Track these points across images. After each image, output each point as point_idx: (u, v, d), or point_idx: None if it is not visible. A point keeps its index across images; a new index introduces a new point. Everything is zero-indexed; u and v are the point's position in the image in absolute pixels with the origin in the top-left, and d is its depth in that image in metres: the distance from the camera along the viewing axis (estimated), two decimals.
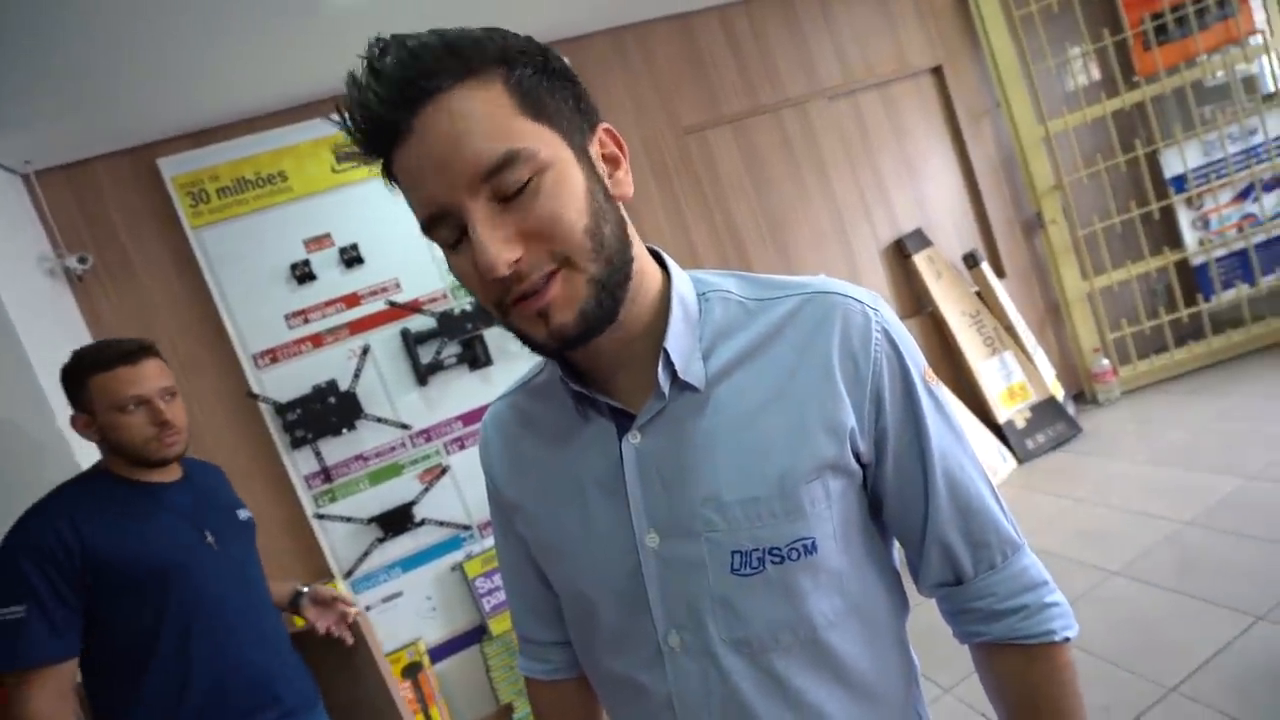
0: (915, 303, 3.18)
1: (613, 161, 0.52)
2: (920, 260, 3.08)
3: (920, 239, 3.13)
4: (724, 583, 0.52)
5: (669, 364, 0.52)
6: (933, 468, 0.54)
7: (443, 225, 0.46)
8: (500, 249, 0.44)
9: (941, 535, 0.55)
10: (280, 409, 2.15)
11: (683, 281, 0.55)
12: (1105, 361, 3.28)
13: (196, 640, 1.14)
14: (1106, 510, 2.42)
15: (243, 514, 1.32)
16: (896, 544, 0.61)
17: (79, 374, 1.17)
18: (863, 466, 0.55)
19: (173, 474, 1.25)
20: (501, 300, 0.47)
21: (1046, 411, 3.10)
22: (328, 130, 2.27)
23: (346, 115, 0.45)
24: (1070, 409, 3.16)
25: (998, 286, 3.18)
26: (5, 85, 1.67)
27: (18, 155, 1.97)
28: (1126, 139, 3.26)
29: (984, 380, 3.05)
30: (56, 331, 1.92)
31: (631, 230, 0.52)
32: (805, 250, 2.97)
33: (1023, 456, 3.01)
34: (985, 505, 0.56)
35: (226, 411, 2.18)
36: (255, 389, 2.16)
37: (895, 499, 0.56)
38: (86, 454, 1.79)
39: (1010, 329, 3.16)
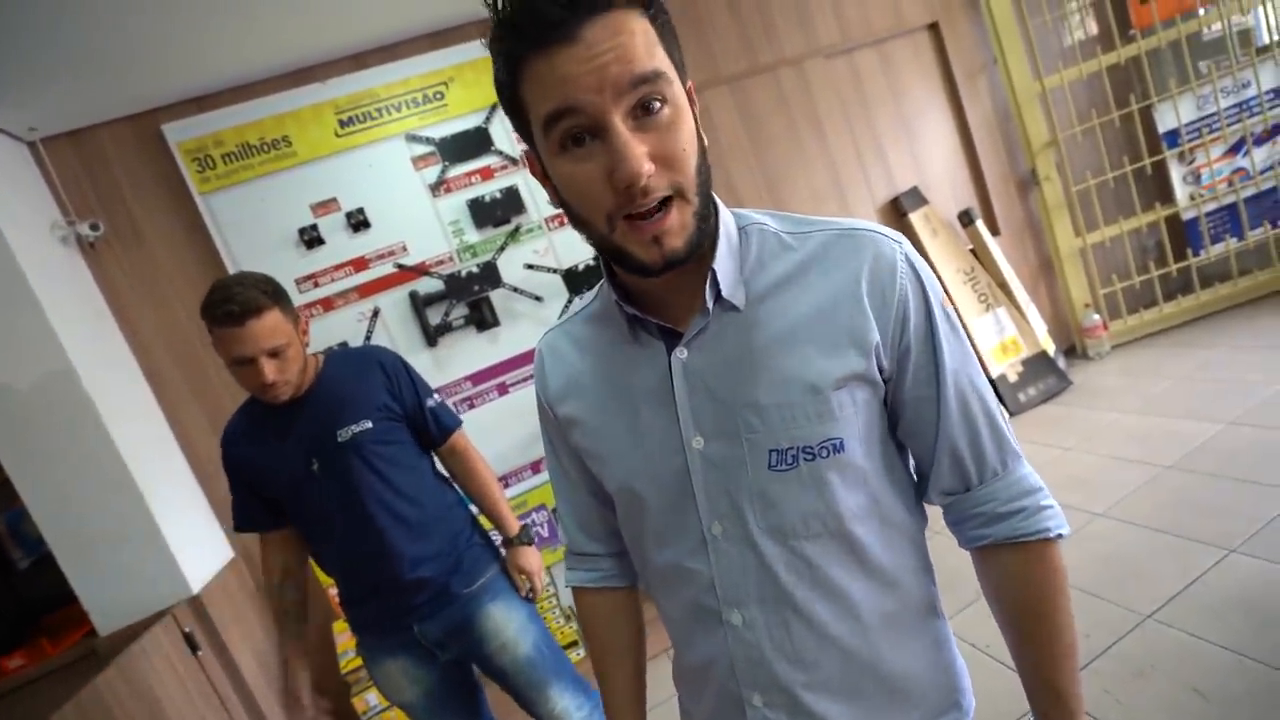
0: None
1: (694, 108, 0.58)
2: (916, 219, 3.13)
3: (916, 197, 3.17)
4: (761, 477, 0.58)
5: (715, 285, 0.58)
6: (945, 381, 0.59)
7: (571, 123, 0.51)
8: (640, 156, 0.50)
9: (951, 443, 0.61)
10: None
11: (727, 216, 0.62)
12: (1096, 316, 3.36)
13: (317, 545, 1.40)
14: (1093, 457, 2.52)
15: (343, 434, 1.31)
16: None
17: (205, 315, 1.23)
18: (885, 381, 0.60)
19: (305, 390, 1.34)
20: (614, 213, 0.52)
21: (1038, 366, 3.19)
22: (330, 94, 2.28)
23: (501, 6, 0.50)
24: (1061, 363, 3.24)
25: (992, 244, 3.23)
26: (9, 52, 1.68)
27: (23, 123, 1.98)
28: (1121, 94, 3.28)
29: (978, 336, 3.13)
30: (73, 298, 1.96)
31: None
32: (803, 209, 2.99)
33: (1014, 409, 3.10)
34: (990, 418, 0.61)
35: None
36: None
37: (912, 409, 0.61)
38: (113, 416, 1.85)
39: (1004, 285, 3.22)
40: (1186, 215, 3.35)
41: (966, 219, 3.24)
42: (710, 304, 0.58)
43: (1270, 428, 2.26)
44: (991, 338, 3.16)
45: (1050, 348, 3.24)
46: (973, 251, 3.25)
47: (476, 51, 2.42)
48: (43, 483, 1.77)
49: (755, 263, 0.61)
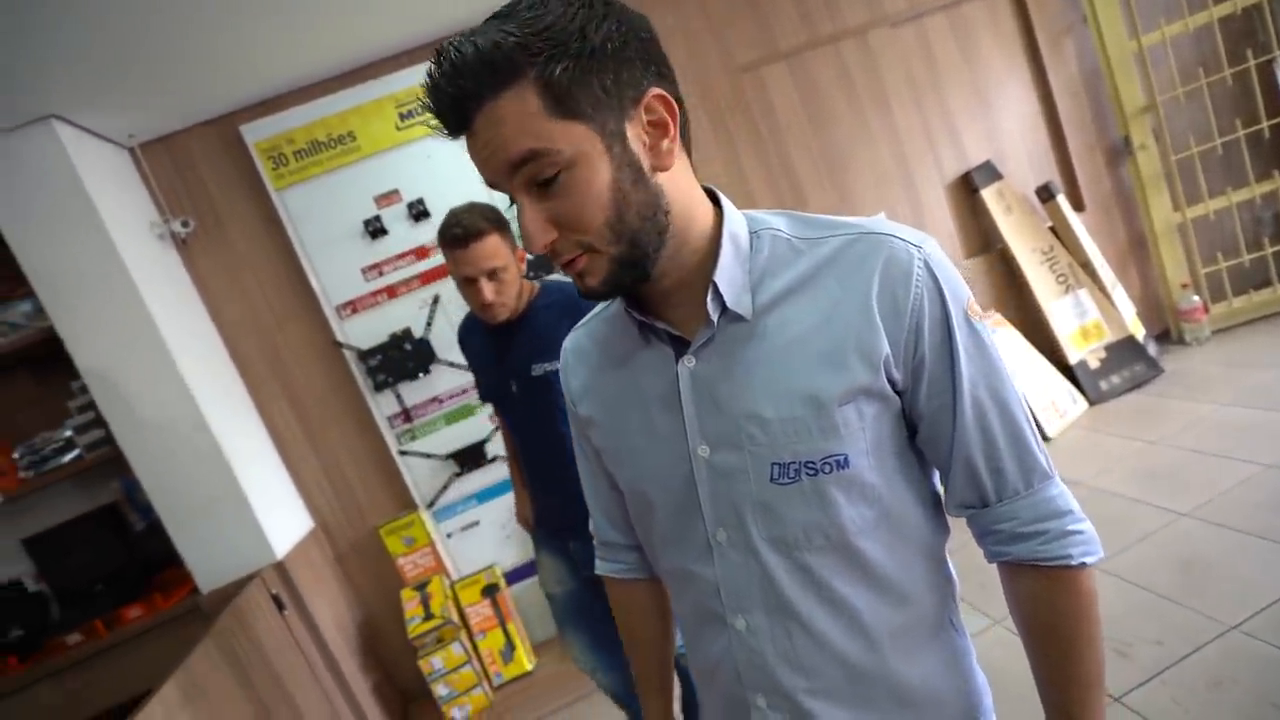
0: (982, 240, 3.06)
1: (659, 127, 0.55)
2: (989, 195, 2.94)
3: (989, 172, 2.98)
4: (764, 490, 0.58)
5: (718, 296, 0.58)
6: (962, 394, 0.57)
7: (500, 190, 0.56)
8: (536, 232, 0.54)
9: (967, 457, 0.58)
10: (362, 355, 2.35)
11: (735, 220, 0.60)
12: (1195, 298, 3.07)
13: (515, 437, 1.60)
14: (1181, 452, 2.34)
15: (537, 369, 1.43)
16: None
17: (441, 237, 1.42)
18: (899, 393, 0.58)
19: (518, 316, 1.46)
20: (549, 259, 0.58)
21: (1124, 351, 2.96)
22: (390, 89, 2.37)
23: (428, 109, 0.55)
24: (1152, 349, 3.00)
25: (1074, 220, 3.00)
26: (111, 68, 1.84)
27: (123, 131, 2.18)
28: (1235, 49, 2.94)
29: (1055, 320, 2.93)
30: (169, 291, 2.16)
31: (674, 191, 0.57)
32: (865, 190, 2.89)
33: (1095, 398, 2.90)
34: (1015, 434, 0.58)
35: (317, 358, 2.40)
36: (340, 338, 2.36)
37: (928, 422, 0.59)
38: (206, 397, 2.04)
39: (1086, 265, 3.00)
40: None
41: (1046, 194, 3.02)
42: (715, 316, 0.58)
43: None
44: (1071, 322, 2.96)
45: (1139, 332, 3.00)
46: (1052, 229, 3.03)
47: None
48: (149, 457, 1.98)
49: (765, 270, 0.59)
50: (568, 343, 0.76)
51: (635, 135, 0.54)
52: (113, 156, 2.16)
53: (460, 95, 0.51)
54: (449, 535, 2.48)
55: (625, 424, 0.67)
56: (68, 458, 2.10)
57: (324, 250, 2.35)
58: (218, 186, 2.34)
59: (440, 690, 2.24)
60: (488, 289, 1.36)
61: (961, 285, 0.58)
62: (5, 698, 1.96)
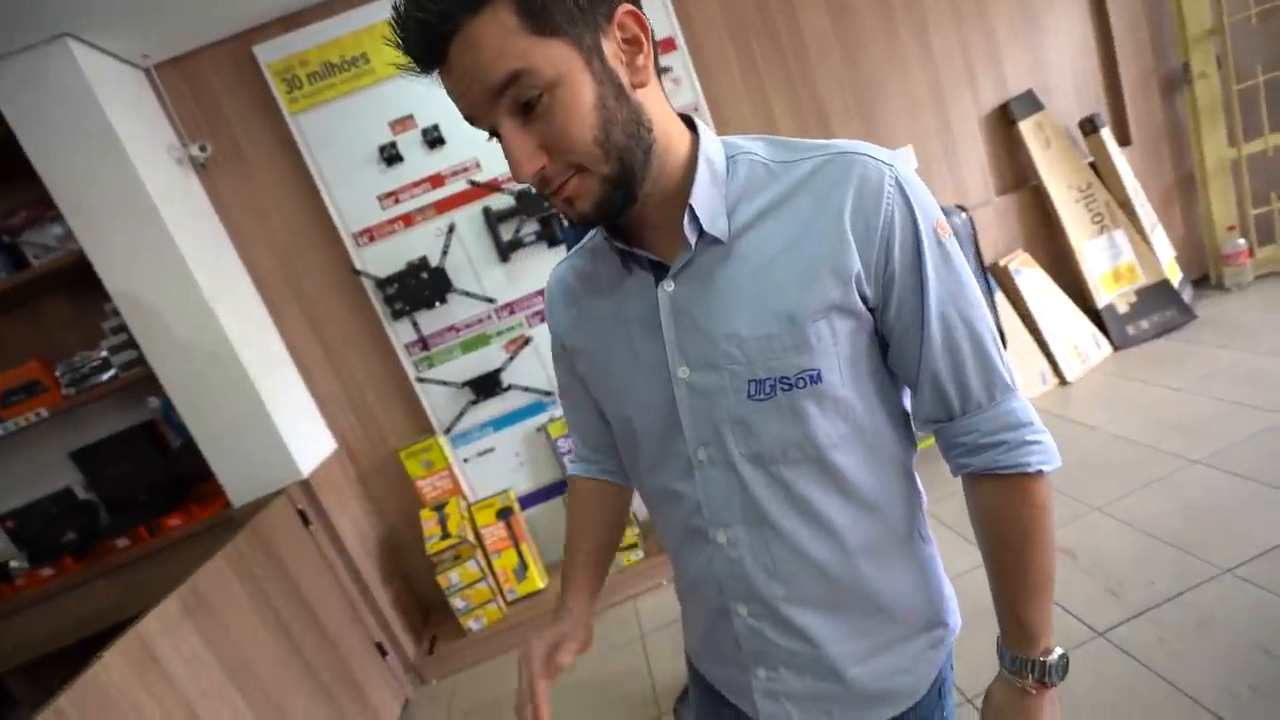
0: (1017, 176, 2.92)
1: (633, 44, 0.55)
2: (1026, 127, 2.79)
3: (1030, 102, 2.81)
4: (741, 406, 0.60)
5: (695, 220, 0.59)
6: (929, 310, 0.58)
7: (480, 125, 0.55)
8: (525, 159, 0.53)
9: (933, 373, 0.60)
10: (380, 284, 2.38)
11: (711, 145, 0.61)
12: (1241, 241, 2.93)
13: None
14: (1204, 400, 2.29)
15: None
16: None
17: None
18: (871, 310, 0.60)
19: None
20: (538, 191, 0.58)
21: (1156, 295, 2.86)
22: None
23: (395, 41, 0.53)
24: (1187, 294, 2.89)
25: (1117, 156, 2.84)
26: None
27: (136, 51, 2.15)
28: None
29: (1087, 260, 2.83)
30: (190, 214, 2.19)
31: (653, 110, 0.57)
32: (895, 120, 2.75)
33: (1120, 342, 2.83)
34: (980, 349, 0.60)
35: (336, 286, 2.44)
36: (358, 265, 2.39)
37: (897, 338, 0.61)
38: (230, 321, 2.10)
39: (1126, 204, 2.86)
40: None
41: (1090, 126, 2.85)
42: (692, 239, 0.59)
43: None
44: (1104, 263, 2.85)
45: (1175, 276, 2.88)
46: (1092, 164, 2.88)
47: None
48: (179, 378, 2.07)
49: (741, 193, 0.60)
50: (551, 278, 0.77)
51: (612, 52, 0.54)
52: (128, 77, 2.15)
53: (432, 22, 0.49)
54: (465, 460, 2.58)
55: (610, 351, 0.68)
56: (105, 376, 2.20)
57: (340, 177, 2.34)
58: (233, 110, 2.33)
59: (458, 603, 2.39)
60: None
61: (932, 204, 0.59)
62: (67, 592, 2.15)
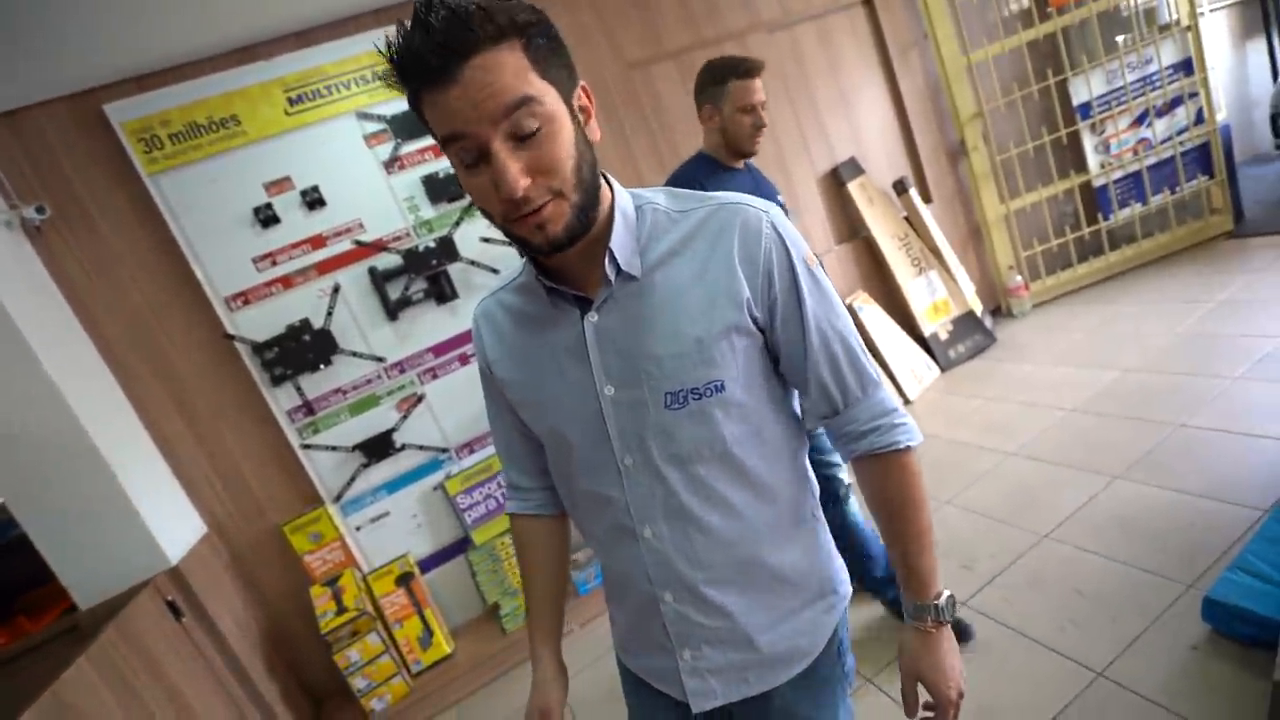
0: (850, 228, 3.43)
1: (585, 112, 0.67)
2: (854, 188, 3.31)
3: (854, 167, 3.35)
4: (661, 415, 0.71)
5: (614, 260, 0.69)
6: (809, 327, 0.71)
7: (463, 146, 0.60)
8: (516, 176, 0.60)
9: (819, 377, 0.73)
10: (258, 348, 2.25)
11: (623, 198, 0.73)
12: (1019, 278, 3.63)
13: None
14: (1011, 405, 2.79)
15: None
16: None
17: (724, 75, 1.65)
18: (761, 330, 0.72)
19: (740, 165, 1.76)
20: (508, 214, 0.63)
21: (966, 324, 3.44)
22: (277, 71, 2.29)
23: (392, 53, 0.59)
24: (988, 321, 3.51)
25: (924, 211, 3.45)
26: None
27: None
28: (1041, 68, 3.51)
29: (912, 297, 3.36)
30: (24, 283, 1.96)
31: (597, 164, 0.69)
32: None
33: (945, 365, 3.36)
34: (851, 354, 0.74)
35: (204, 353, 2.26)
36: (230, 330, 2.25)
37: (785, 351, 0.74)
38: (78, 398, 1.88)
39: (935, 250, 3.45)
40: (1098, 182, 3.63)
41: (901, 187, 3.44)
42: (612, 276, 0.69)
43: (1160, 372, 2.55)
44: (924, 299, 3.40)
45: (978, 307, 3.50)
46: (907, 218, 3.46)
47: None
48: (11, 468, 1.80)
49: (649, 237, 0.71)
50: (477, 311, 0.84)
51: (577, 110, 0.66)
52: None
53: (456, 43, 0.56)
54: (358, 528, 2.44)
55: (542, 377, 0.76)
56: None
57: (209, 240, 2.22)
58: (76, 169, 2.14)
59: (359, 683, 2.22)
60: (765, 115, 1.68)
61: (801, 240, 0.73)
62: None
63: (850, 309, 3.23)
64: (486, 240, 2.53)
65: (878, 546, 1.72)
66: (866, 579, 1.75)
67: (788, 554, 0.78)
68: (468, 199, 2.51)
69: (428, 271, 2.44)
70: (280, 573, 2.36)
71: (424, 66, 0.58)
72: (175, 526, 2.08)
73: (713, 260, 0.69)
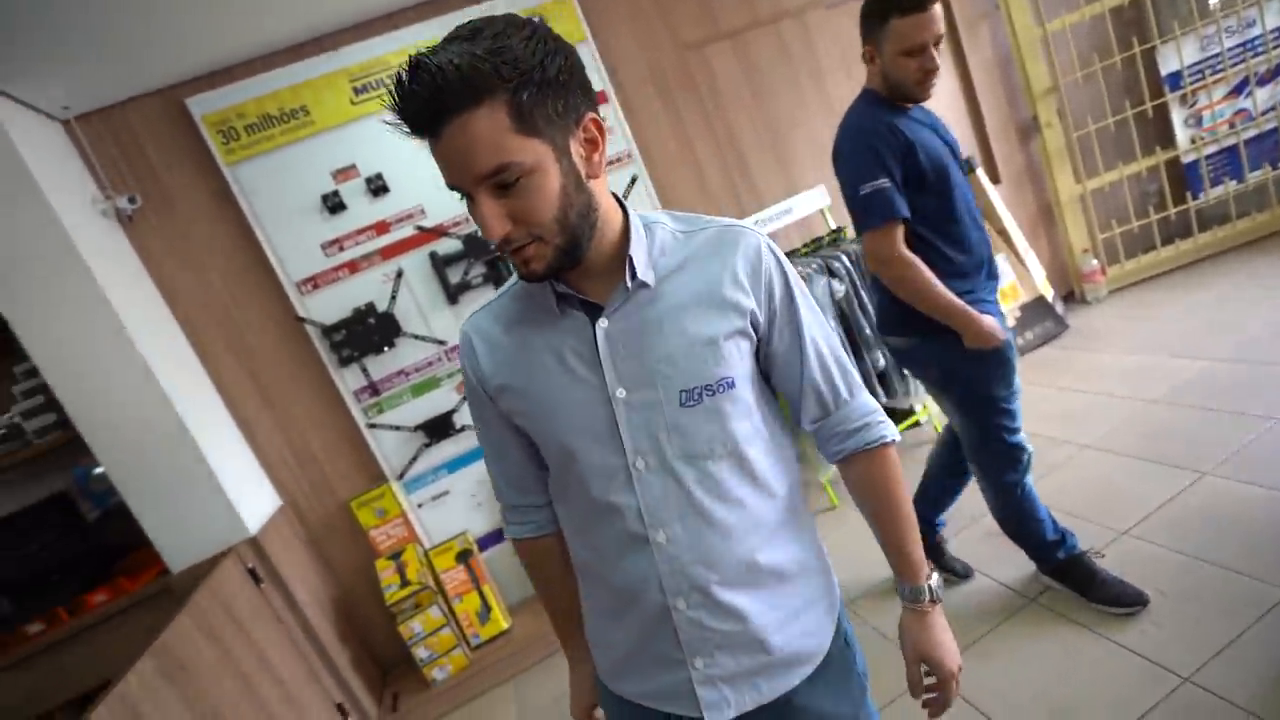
0: None
1: (591, 144, 0.68)
2: None
3: None
4: (675, 414, 0.73)
5: (633, 269, 0.73)
6: (804, 338, 0.79)
7: (459, 190, 0.66)
8: (495, 224, 0.64)
9: (813, 382, 0.81)
10: (326, 331, 2.35)
11: (636, 219, 0.77)
12: (1094, 262, 3.43)
13: (955, 226, 1.52)
14: (1085, 395, 2.65)
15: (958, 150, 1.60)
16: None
17: (885, 13, 1.43)
18: (758, 337, 0.78)
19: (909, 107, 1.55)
20: (498, 248, 0.68)
21: (1036, 311, 3.28)
22: (343, 62, 2.36)
23: (391, 106, 0.62)
24: (1059, 308, 3.34)
25: (992, 191, 3.29)
26: (38, 33, 1.77)
27: (56, 102, 2.08)
28: (1124, 37, 3.28)
29: None
30: (118, 267, 2.10)
31: (599, 196, 0.71)
32: (804, 159, 3.07)
33: None
34: (839, 361, 0.82)
35: (278, 335, 2.38)
36: (301, 313, 2.35)
37: (781, 360, 0.80)
38: (166, 375, 2.01)
39: (1003, 233, 3.29)
40: (1187, 159, 3.39)
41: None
42: (629, 283, 0.73)
43: (1251, 363, 2.37)
44: None
45: (1048, 293, 3.33)
46: None
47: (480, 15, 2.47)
48: (110, 439, 1.94)
49: (660, 252, 0.76)
50: (468, 328, 0.83)
51: (575, 150, 0.67)
52: (46, 129, 2.07)
53: (438, 107, 0.59)
54: (420, 505, 2.53)
55: (547, 384, 0.76)
56: (14, 446, 2.03)
57: (281, 226, 2.32)
58: (162, 161, 2.27)
59: (421, 653, 2.31)
60: (937, 55, 1.45)
61: (789, 263, 0.81)
62: None
63: None
64: None
65: (1044, 509, 1.72)
66: (1039, 547, 1.73)
67: (789, 550, 0.81)
68: None
69: (486, 256, 2.49)
70: (348, 546, 2.48)
71: (412, 124, 0.62)
72: (253, 499, 2.20)
73: (719, 274, 0.75)
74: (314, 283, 2.37)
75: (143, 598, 1.98)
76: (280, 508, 2.34)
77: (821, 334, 0.81)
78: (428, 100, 0.59)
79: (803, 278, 2.44)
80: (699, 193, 2.90)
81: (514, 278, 0.82)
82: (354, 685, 2.25)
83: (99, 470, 2.11)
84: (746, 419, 0.76)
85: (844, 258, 2.55)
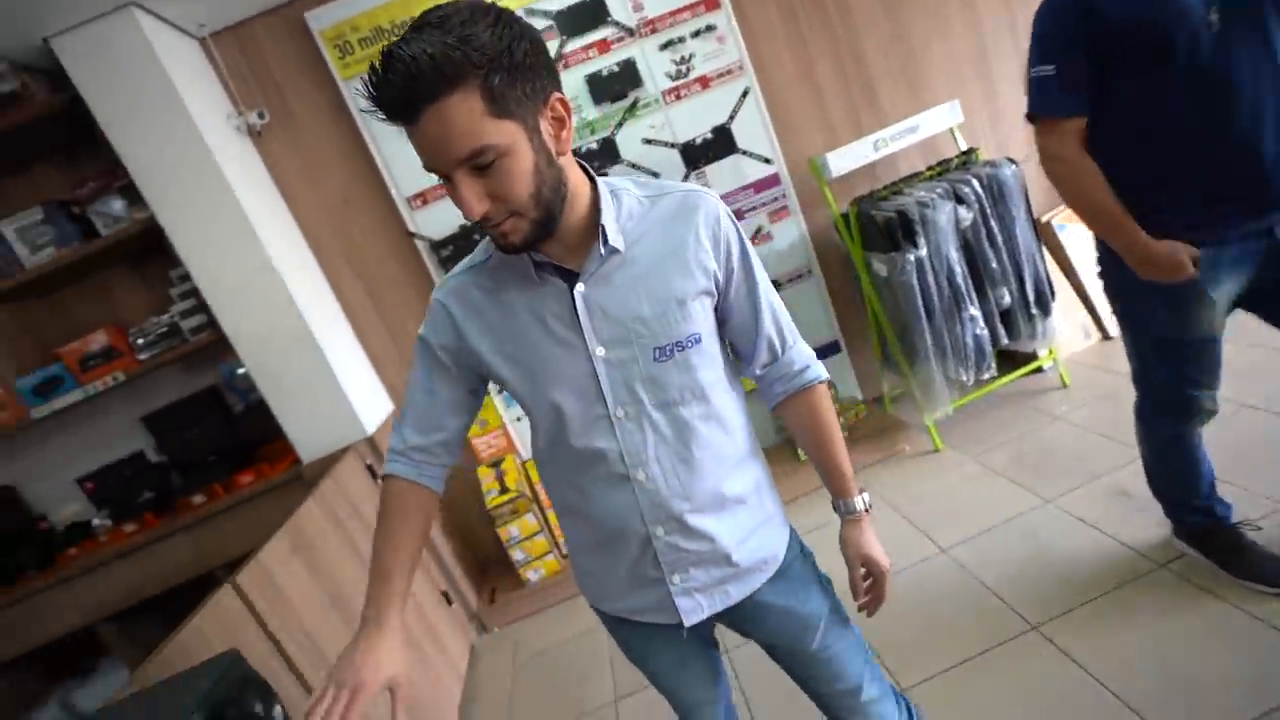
0: None
1: (559, 122, 0.72)
2: None
3: None
4: (650, 367, 0.82)
5: (604, 236, 0.78)
6: (758, 293, 0.88)
7: (436, 173, 0.70)
8: (475, 204, 0.69)
9: (766, 332, 0.90)
10: (434, 246, 2.43)
11: (603, 187, 0.81)
12: None
13: (1191, 114, 1.15)
14: (1239, 347, 2.31)
15: None
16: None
17: None
18: (718, 295, 0.86)
19: None
20: (478, 224, 0.73)
21: None
22: None
23: (367, 94, 0.65)
24: None
25: None
26: None
27: (195, 19, 2.19)
28: None
29: None
30: (250, 181, 2.24)
31: (569, 171, 0.76)
32: (937, 75, 2.74)
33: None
34: (783, 313, 0.93)
35: (389, 248, 2.49)
36: (411, 228, 2.44)
37: (738, 313, 0.89)
38: (294, 283, 2.16)
39: None
40: None
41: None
42: (603, 250, 0.78)
43: None
44: None
45: None
46: None
47: None
48: (251, 340, 2.14)
49: (626, 217, 0.81)
50: (442, 293, 0.87)
51: (545, 129, 0.71)
52: (187, 47, 2.19)
53: (412, 96, 0.63)
54: (518, 419, 2.65)
55: (534, 347, 0.83)
56: (174, 342, 2.28)
57: (392, 141, 2.38)
58: (285, 76, 2.37)
59: (517, 555, 2.48)
60: None
61: (740, 225, 0.92)
62: (148, 546, 2.26)
63: (1047, 227, 2.80)
64: (649, 142, 2.47)
65: (1207, 469, 1.53)
66: (1179, 507, 1.57)
67: (746, 479, 0.92)
68: (631, 99, 2.44)
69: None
70: None
71: (389, 112, 0.65)
72: (370, 402, 2.38)
73: (684, 236, 0.81)
74: (423, 198, 2.44)
75: (280, 482, 2.24)
76: (393, 412, 2.53)
77: (768, 291, 0.90)
78: (402, 89, 0.62)
79: (924, 204, 2.24)
80: (815, 109, 2.68)
81: (481, 251, 0.87)
82: (457, 576, 2.46)
83: (242, 370, 2.35)
84: (711, 368, 0.85)
85: (974, 182, 2.30)
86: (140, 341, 2.27)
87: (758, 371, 0.94)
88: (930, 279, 2.24)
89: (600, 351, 0.80)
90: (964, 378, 2.34)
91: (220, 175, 2.03)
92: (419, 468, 0.88)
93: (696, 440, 0.85)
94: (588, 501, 0.88)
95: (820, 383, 0.94)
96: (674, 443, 0.84)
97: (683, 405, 0.84)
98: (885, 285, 2.36)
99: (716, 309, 0.87)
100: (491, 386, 2.48)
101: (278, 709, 0.83)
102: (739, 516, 0.90)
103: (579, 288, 0.80)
